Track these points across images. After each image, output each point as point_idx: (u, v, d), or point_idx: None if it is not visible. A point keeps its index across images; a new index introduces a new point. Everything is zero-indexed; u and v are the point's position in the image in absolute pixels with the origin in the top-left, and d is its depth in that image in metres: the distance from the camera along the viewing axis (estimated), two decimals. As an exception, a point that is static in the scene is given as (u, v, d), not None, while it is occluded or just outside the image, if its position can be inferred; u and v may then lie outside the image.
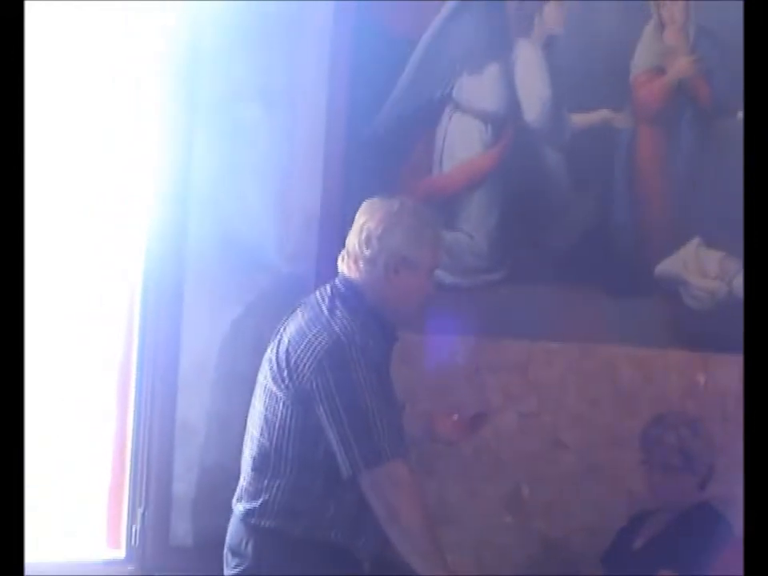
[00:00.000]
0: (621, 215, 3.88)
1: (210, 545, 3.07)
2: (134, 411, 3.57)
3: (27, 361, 2.26)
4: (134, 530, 3.53)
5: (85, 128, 3.57)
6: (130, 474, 3.55)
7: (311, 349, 2.81)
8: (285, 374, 2.84)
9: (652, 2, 3.84)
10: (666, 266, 3.86)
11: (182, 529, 3.54)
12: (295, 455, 2.84)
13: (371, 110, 3.73)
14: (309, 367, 2.80)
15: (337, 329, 2.82)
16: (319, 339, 2.81)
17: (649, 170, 3.89)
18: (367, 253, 2.88)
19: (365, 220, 2.92)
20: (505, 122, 3.82)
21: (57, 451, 3.56)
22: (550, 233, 3.85)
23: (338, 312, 2.86)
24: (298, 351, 2.84)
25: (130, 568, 3.53)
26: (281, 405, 2.86)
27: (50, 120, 3.48)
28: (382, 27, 3.73)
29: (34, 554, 2.91)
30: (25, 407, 2.23)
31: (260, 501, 2.86)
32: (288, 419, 2.84)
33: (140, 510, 3.53)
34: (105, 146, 3.61)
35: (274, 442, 2.86)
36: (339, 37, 3.70)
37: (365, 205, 2.97)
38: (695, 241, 3.84)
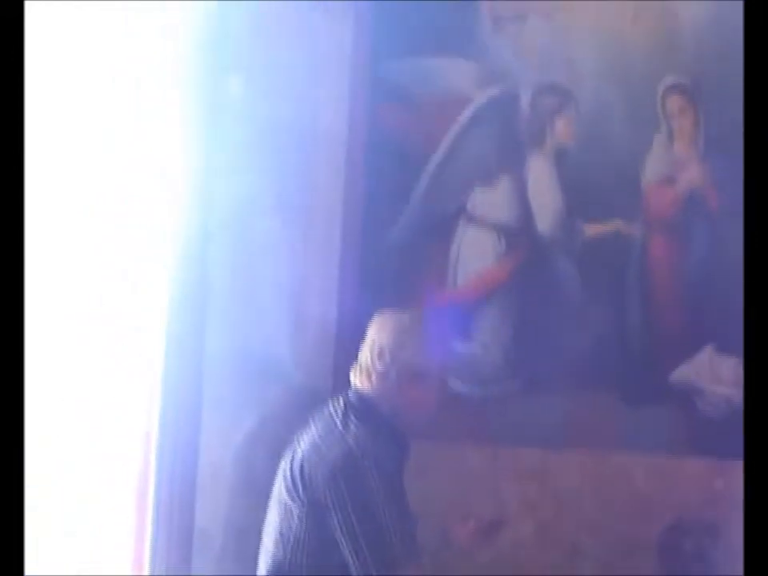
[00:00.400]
0: (634, 323, 3.91)
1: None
2: (152, 519, 3.60)
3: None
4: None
5: (102, 235, 3.65)
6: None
7: (324, 461, 2.86)
8: (299, 486, 2.89)
9: (661, 114, 3.90)
10: (681, 373, 3.88)
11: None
12: (309, 567, 2.88)
13: (386, 223, 3.79)
14: (322, 479, 2.84)
15: (350, 441, 2.87)
16: (333, 451, 2.87)
17: (661, 278, 3.93)
18: (380, 367, 2.94)
19: (377, 334, 2.98)
20: (518, 233, 3.87)
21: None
22: (565, 341, 3.88)
23: (351, 425, 2.92)
24: (312, 463, 2.89)
25: None
26: (295, 517, 2.90)
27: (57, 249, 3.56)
28: (396, 140, 3.81)
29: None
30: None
31: None
32: (302, 532, 2.89)
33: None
34: (123, 258, 3.68)
35: (288, 555, 2.90)
36: (354, 149, 3.78)
37: (376, 318, 3.04)
38: (709, 347, 3.86)
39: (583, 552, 3.84)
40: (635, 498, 3.85)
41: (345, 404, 2.98)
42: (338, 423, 2.94)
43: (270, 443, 3.48)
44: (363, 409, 2.95)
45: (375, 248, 3.77)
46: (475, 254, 3.85)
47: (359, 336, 3.09)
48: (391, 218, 3.80)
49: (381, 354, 2.94)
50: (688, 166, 3.91)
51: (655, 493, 3.84)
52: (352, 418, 2.94)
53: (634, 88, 3.91)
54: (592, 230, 3.89)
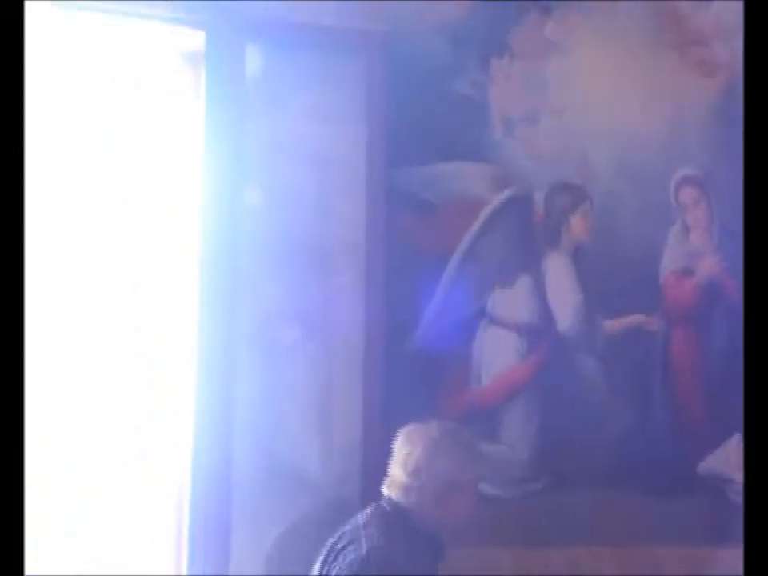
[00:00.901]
0: (659, 416, 3.93)
1: None
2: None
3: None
4: None
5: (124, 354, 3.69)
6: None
7: (339, 563, 2.89)
8: None
9: (675, 207, 3.94)
10: (709, 464, 3.88)
11: None
12: None
13: (408, 328, 3.81)
14: None
15: (365, 543, 2.87)
16: (346, 553, 2.89)
17: (685, 370, 3.95)
18: (416, 483, 2.95)
19: (409, 450, 2.99)
20: (539, 333, 3.90)
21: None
22: (590, 438, 3.89)
23: (371, 528, 2.92)
24: (329, 564, 2.92)
25: None
26: None
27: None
28: (414, 245, 3.84)
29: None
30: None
31: None
32: None
33: None
34: (145, 359, 3.72)
35: None
36: (373, 257, 3.80)
37: (404, 433, 3.04)
38: (736, 437, 3.86)
39: (622, 650, 3.82)
40: (670, 590, 3.84)
41: (374, 509, 3.00)
42: (360, 525, 2.95)
43: (299, 553, 3.48)
44: (394, 515, 2.96)
45: (398, 353, 3.78)
46: (498, 355, 3.87)
47: (386, 443, 3.11)
48: (413, 323, 3.81)
49: (417, 471, 2.96)
50: (704, 256, 3.94)
51: (689, 585, 3.83)
52: (373, 521, 2.95)
53: (647, 182, 3.96)
54: (612, 325, 3.91)
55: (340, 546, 2.95)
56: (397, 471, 3.01)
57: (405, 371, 3.79)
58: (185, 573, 3.66)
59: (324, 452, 3.74)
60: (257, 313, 3.76)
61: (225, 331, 3.72)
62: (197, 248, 3.73)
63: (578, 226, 3.93)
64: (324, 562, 2.98)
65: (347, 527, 3.00)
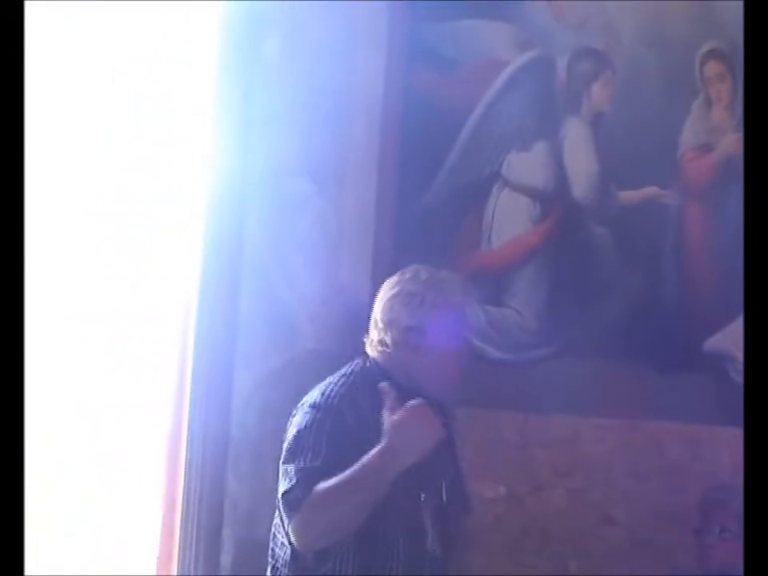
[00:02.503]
0: (669, 291, 3.89)
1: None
2: (184, 485, 3.58)
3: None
4: (181, 603, 3.54)
5: (130, 201, 3.64)
6: (179, 546, 3.57)
7: (299, 412, 2.78)
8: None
9: (699, 80, 3.87)
10: (715, 342, 3.86)
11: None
12: None
13: (421, 186, 3.76)
14: (291, 426, 2.77)
15: (318, 395, 2.75)
16: (305, 403, 2.77)
17: (697, 246, 3.90)
18: (376, 335, 2.84)
19: (376, 303, 2.88)
20: (553, 199, 3.84)
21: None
22: (599, 308, 3.85)
23: (335, 378, 2.79)
24: (293, 417, 2.81)
25: (177, 643, 3.55)
26: None
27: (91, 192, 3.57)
28: (432, 104, 3.77)
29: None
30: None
31: (269, 569, 2.81)
32: None
33: (187, 577, 3.54)
34: (152, 217, 3.67)
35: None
36: (389, 112, 3.74)
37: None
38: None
39: (614, 520, 3.82)
40: (667, 466, 3.84)
41: (354, 366, 2.86)
42: (332, 381, 2.80)
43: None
44: (374, 375, 2.80)
45: (409, 212, 3.73)
46: (510, 219, 3.82)
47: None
48: (426, 182, 3.76)
49: (375, 322, 2.85)
50: (725, 133, 3.87)
51: (687, 461, 3.82)
52: (345, 373, 2.81)
53: (672, 54, 3.89)
54: (628, 196, 3.86)
55: (306, 397, 2.81)
56: (370, 326, 2.89)
57: (415, 230, 3.74)
58: (185, 430, 3.64)
59: (331, 306, 3.69)
60: (268, 164, 3.70)
61: (235, 182, 3.67)
62: (211, 97, 3.66)
63: (599, 93, 3.86)
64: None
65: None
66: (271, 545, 2.84)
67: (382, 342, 2.82)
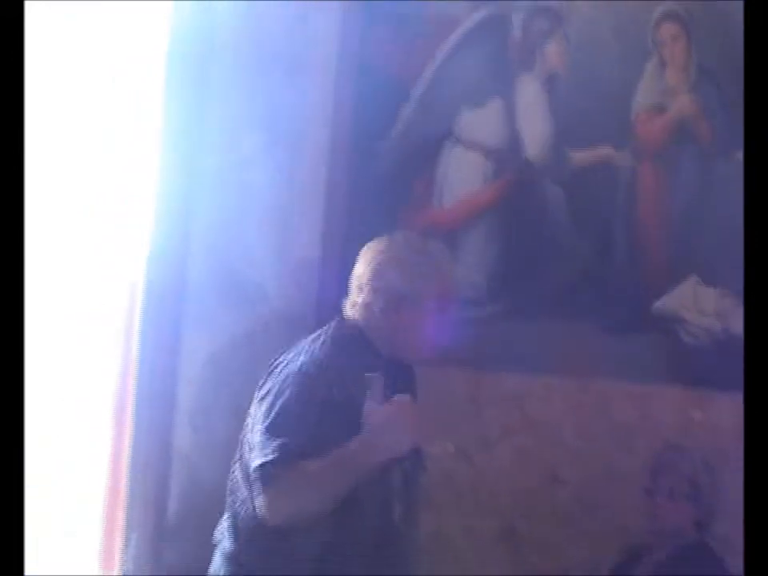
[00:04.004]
0: (620, 252, 3.90)
1: (202, 572, 3.06)
2: (131, 438, 3.58)
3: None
4: (128, 555, 3.52)
5: (89, 155, 3.61)
6: (126, 499, 3.56)
7: (274, 376, 2.76)
8: (257, 400, 2.78)
9: (652, 41, 3.87)
10: (664, 303, 3.87)
11: (175, 555, 3.54)
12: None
13: (374, 142, 3.74)
14: (271, 391, 2.73)
15: (303, 356, 2.74)
16: (284, 367, 2.76)
17: (648, 208, 3.91)
18: (361, 299, 2.83)
19: (358, 266, 2.87)
20: (505, 158, 3.84)
21: (55, 476, 3.56)
22: (549, 268, 3.86)
23: (318, 343, 2.79)
24: (266, 379, 2.79)
25: (124, 592, 3.54)
26: (250, 428, 2.79)
27: (54, 143, 3.53)
28: (386, 62, 3.76)
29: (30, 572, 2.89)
30: (26, 427, 2.24)
31: (228, 524, 2.80)
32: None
33: (134, 536, 3.53)
34: (107, 175, 3.64)
35: (242, 467, 2.79)
36: (343, 71, 3.73)
37: (363, 250, 2.91)
38: (693, 278, 3.85)
39: (562, 479, 3.84)
40: (615, 426, 3.86)
41: (327, 327, 2.87)
42: (310, 340, 2.82)
43: (249, 367, 3.42)
44: (346, 334, 2.82)
45: (362, 171, 3.73)
46: (462, 177, 3.82)
47: (345, 261, 3.00)
48: (379, 138, 3.75)
49: (360, 286, 2.83)
50: (679, 94, 3.87)
51: (635, 421, 3.84)
52: (323, 336, 2.81)
53: (627, 14, 3.87)
54: (581, 156, 3.86)
55: (282, 360, 2.81)
56: (352, 288, 2.89)
57: (368, 188, 3.74)
58: (132, 383, 3.63)
59: (281, 267, 3.68)
60: (220, 120, 3.68)
61: (187, 138, 3.65)
62: (167, 43, 3.63)
63: (553, 53, 3.86)
64: (265, 378, 2.84)
65: (296, 344, 2.88)
66: (229, 499, 2.83)
67: (367, 306, 2.82)
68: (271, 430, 2.66)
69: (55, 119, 3.54)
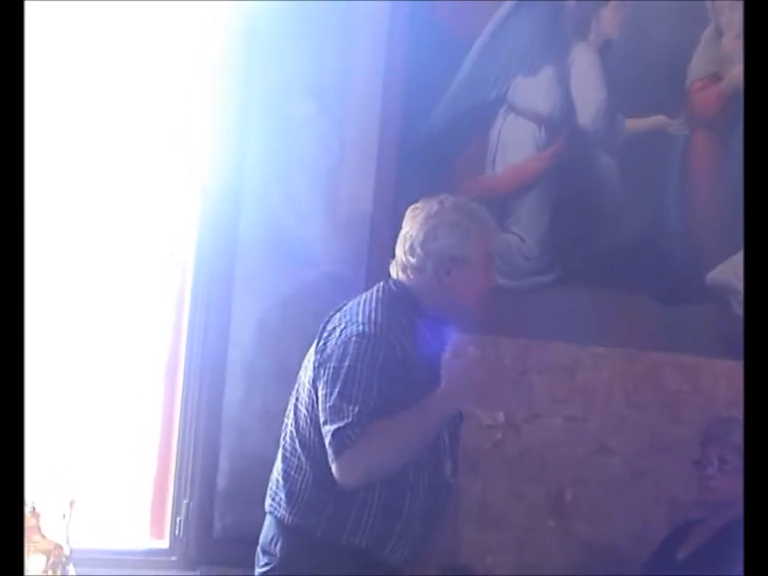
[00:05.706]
0: (673, 222, 3.87)
1: (252, 539, 3.07)
2: (181, 404, 3.57)
3: (76, 351, 2.23)
4: (178, 521, 3.53)
5: (137, 122, 3.59)
6: (176, 465, 3.56)
7: (332, 339, 2.78)
8: (316, 365, 2.80)
9: (710, 8, 3.81)
10: (717, 274, 3.84)
11: (226, 521, 3.54)
12: (315, 447, 2.77)
13: (425, 109, 3.70)
14: (333, 355, 2.75)
15: (362, 319, 2.76)
16: (342, 330, 2.77)
17: (702, 178, 3.87)
18: (413, 261, 2.83)
19: (408, 228, 2.87)
20: (559, 125, 3.80)
21: (105, 442, 3.57)
22: (602, 237, 3.83)
23: (371, 305, 2.80)
24: (323, 340, 2.82)
25: (173, 559, 3.53)
26: (306, 394, 2.82)
27: (97, 113, 3.51)
28: (438, 26, 3.71)
29: (78, 540, 2.90)
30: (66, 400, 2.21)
31: (284, 492, 2.81)
32: (311, 408, 2.80)
33: (185, 502, 3.53)
34: (156, 141, 3.62)
35: (298, 433, 2.82)
36: (395, 34, 3.67)
37: (408, 211, 2.91)
38: (746, 250, 3.80)
39: (611, 450, 3.83)
40: (665, 397, 3.84)
41: (379, 290, 2.88)
42: (363, 303, 2.83)
43: (300, 329, 3.43)
44: (399, 296, 2.84)
45: (413, 134, 3.68)
46: (514, 144, 3.77)
47: (395, 224, 3.01)
48: (431, 104, 3.71)
49: (412, 249, 2.83)
50: (735, 63, 3.82)
51: (686, 393, 3.82)
52: (377, 300, 2.83)
53: (684, -19, 3.82)
54: (634, 124, 3.82)
55: (338, 323, 2.82)
56: (398, 249, 2.89)
57: (419, 153, 3.70)
58: (183, 350, 3.62)
59: (331, 227, 3.66)
60: (270, 86, 3.64)
61: (237, 102, 3.62)
62: (215, 17, 3.60)
63: (608, 19, 3.80)
64: (319, 339, 2.87)
65: (348, 305, 2.90)
66: (283, 465, 2.85)
67: (417, 268, 2.83)
68: (343, 394, 2.68)
69: (105, 85, 3.53)
